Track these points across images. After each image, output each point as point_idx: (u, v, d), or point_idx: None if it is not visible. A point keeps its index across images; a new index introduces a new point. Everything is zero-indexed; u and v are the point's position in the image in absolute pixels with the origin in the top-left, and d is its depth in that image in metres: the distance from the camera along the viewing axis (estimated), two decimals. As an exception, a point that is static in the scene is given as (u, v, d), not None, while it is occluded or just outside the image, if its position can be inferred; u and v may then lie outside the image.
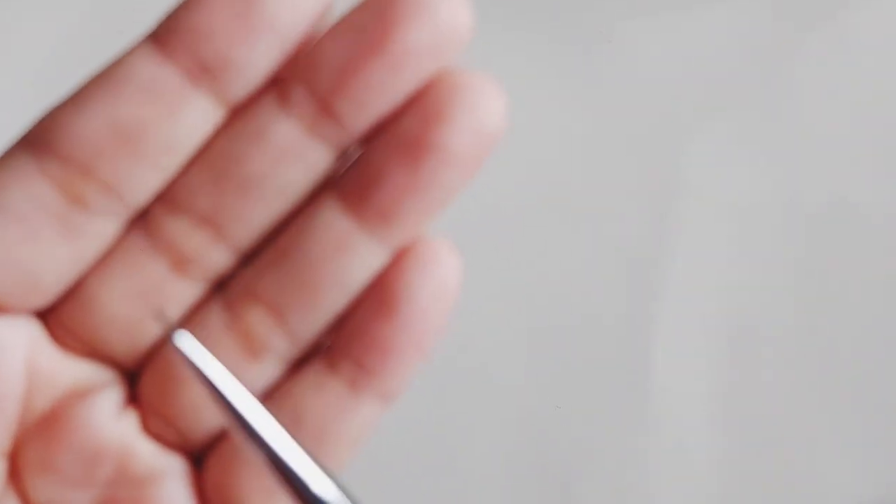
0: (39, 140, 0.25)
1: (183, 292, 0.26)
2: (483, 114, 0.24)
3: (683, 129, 0.51)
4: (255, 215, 0.25)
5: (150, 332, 0.26)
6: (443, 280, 0.25)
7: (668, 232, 0.50)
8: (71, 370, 0.27)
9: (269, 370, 0.26)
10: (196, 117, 0.24)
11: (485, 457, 0.46)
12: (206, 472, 0.27)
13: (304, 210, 0.25)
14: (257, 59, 0.24)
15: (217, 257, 0.26)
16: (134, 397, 0.27)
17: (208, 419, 0.26)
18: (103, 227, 0.25)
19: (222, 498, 0.26)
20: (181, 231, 0.25)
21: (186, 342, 0.25)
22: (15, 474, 0.26)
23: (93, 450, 0.26)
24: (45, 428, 0.26)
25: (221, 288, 0.26)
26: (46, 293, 0.26)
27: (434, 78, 0.24)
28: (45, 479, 0.26)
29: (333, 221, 0.25)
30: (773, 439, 0.47)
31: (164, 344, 0.26)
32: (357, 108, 0.24)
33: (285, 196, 0.25)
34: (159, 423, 0.27)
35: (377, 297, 0.25)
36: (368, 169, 0.25)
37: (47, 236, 0.25)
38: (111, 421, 0.26)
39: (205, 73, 0.24)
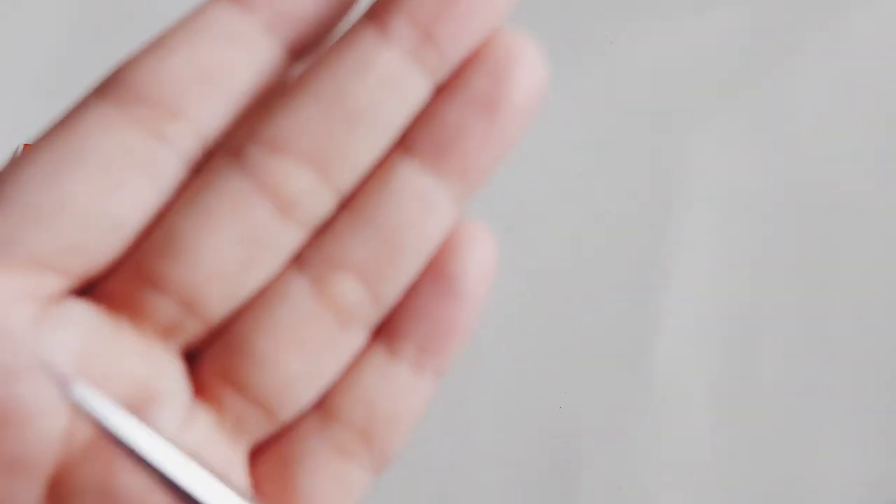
0: (121, 87, 0.24)
1: (286, 238, 0.25)
2: (536, 68, 0.25)
3: (684, 127, 0.51)
4: (359, 152, 0.25)
5: (252, 282, 0.25)
6: (488, 260, 0.26)
7: (670, 228, 0.50)
8: (132, 367, 0.25)
9: (354, 340, 0.26)
10: (274, 60, 0.25)
11: (486, 456, 0.46)
12: (267, 465, 0.26)
13: (380, 171, 0.25)
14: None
15: (321, 200, 0.25)
16: (201, 387, 0.26)
17: (301, 392, 0.25)
18: (185, 167, 0.25)
19: (283, 493, 0.26)
20: (285, 172, 0.25)
21: (82, 392, 0.23)
22: (58, 498, 0.25)
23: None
24: (100, 446, 0.24)
25: (303, 262, 0.25)
26: (129, 240, 0.24)
27: (491, 37, 0.25)
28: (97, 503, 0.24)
29: (413, 180, 0.25)
30: (775, 437, 0.47)
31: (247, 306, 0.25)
32: (456, 36, 0.25)
33: (388, 131, 0.25)
34: (236, 409, 0.25)
35: (437, 280, 0.25)
36: (443, 126, 0.25)
37: (133, 182, 0.24)
38: (178, 430, 0.25)
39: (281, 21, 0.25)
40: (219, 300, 0.25)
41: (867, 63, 0.51)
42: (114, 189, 0.24)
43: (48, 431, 0.24)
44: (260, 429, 0.26)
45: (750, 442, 0.47)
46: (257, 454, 0.26)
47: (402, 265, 0.25)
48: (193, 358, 0.26)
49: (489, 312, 0.48)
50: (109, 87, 0.25)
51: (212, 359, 0.25)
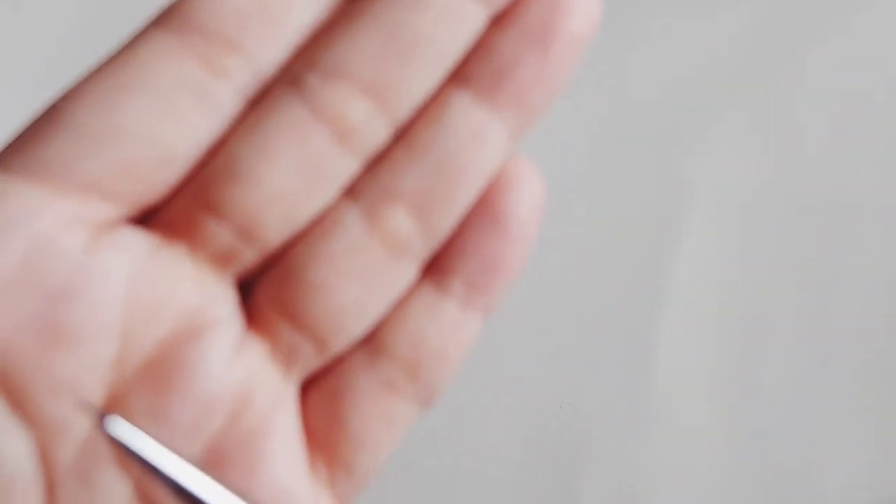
0: (180, 18, 0.24)
1: (342, 167, 0.25)
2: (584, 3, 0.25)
3: (689, 128, 0.51)
4: (415, 83, 0.25)
5: (308, 209, 0.25)
6: (537, 195, 0.26)
7: (673, 229, 0.50)
8: (185, 295, 0.25)
9: (406, 272, 0.25)
10: None
11: (488, 455, 0.46)
12: (314, 399, 0.26)
13: (435, 103, 0.25)
14: None
15: (377, 129, 0.25)
16: (253, 317, 0.25)
17: (353, 322, 0.25)
18: (241, 101, 0.25)
19: (330, 428, 0.26)
20: (343, 99, 0.25)
21: (119, 427, 0.23)
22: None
23: (207, 398, 0.24)
24: (151, 372, 0.24)
25: (357, 193, 0.25)
26: (183, 169, 0.24)
27: None
28: (148, 430, 0.24)
29: (467, 112, 0.25)
30: (777, 437, 0.47)
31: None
32: None
33: (444, 63, 0.25)
34: (289, 340, 0.25)
35: (488, 216, 0.25)
36: (498, 58, 0.25)
37: (188, 111, 0.24)
38: (229, 362, 0.25)
39: None
40: (275, 227, 0.25)
41: (874, 67, 0.51)
42: (168, 117, 0.24)
43: (99, 356, 0.24)
44: (311, 361, 0.25)
45: (751, 442, 0.47)
46: (306, 389, 0.26)
47: (454, 198, 0.25)
48: (246, 288, 0.26)
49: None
50: (169, 18, 0.24)
51: (265, 288, 0.25)
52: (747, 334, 0.48)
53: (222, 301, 0.25)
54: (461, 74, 0.25)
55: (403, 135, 0.25)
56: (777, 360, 0.48)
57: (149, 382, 0.24)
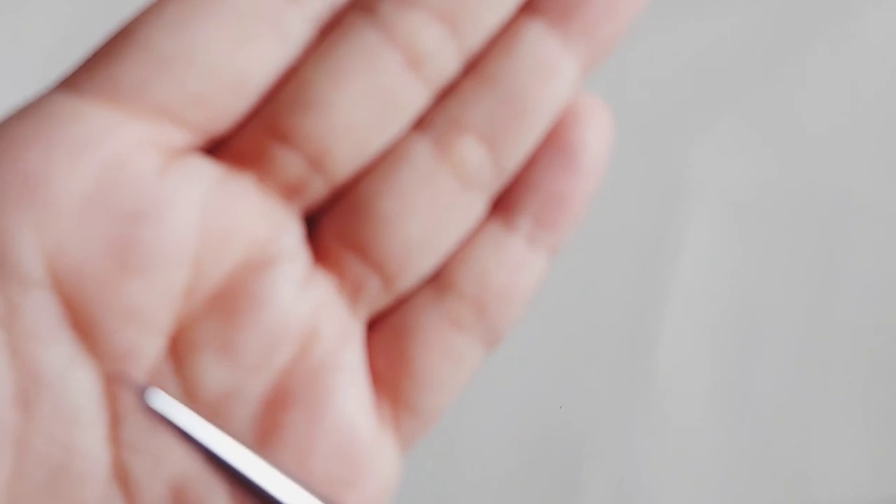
0: None
1: (414, 96, 0.24)
2: None
3: (688, 127, 0.51)
4: (488, 11, 0.24)
5: (379, 140, 0.24)
6: (606, 133, 0.26)
7: (673, 229, 0.50)
8: (254, 226, 0.24)
9: (475, 205, 0.25)
10: None
11: (488, 455, 0.46)
12: (379, 338, 0.25)
13: (506, 34, 0.25)
14: None
15: (449, 58, 0.24)
16: (321, 252, 0.25)
17: (423, 258, 0.25)
18: (314, 27, 0.24)
19: (395, 367, 0.25)
20: (416, 26, 0.24)
21: (160, 400, 0.23)
22: (178, 355, 0.24)
23: (275, 331, 0.24)
24: (220, 302, 0.24)
25: (426, 124, 0.25)
26: (255, 97, 0.24)
27: None
28: (216, 363, 0.24)
29: (540, 42, 0.25)
30: (776, 437, 0.47)
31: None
32: None
33: None
34: (356, 275, 0.25)
35: (556, 152, 0.25)
36: None
37: (261, 38, 0.24)
38: (297, 295, 0.24)
39: None
40: (346, 157, 0.24)
41: (875, 66, 0.52)
42: (241, 43, 0.24)
43: (170, 283, 0.23)
44: (378, 297, 0.25)
45: (750, 442, 0.47)
46: (372, 326, 0.25)
47: (524, 130, 0.25)
48: (314, 222, 0.25)
49: None
50: None
51: (333, 222, 0.25)
52: (747, 334, 0.48)
53: (290, 233, 0.25)
54: (533, 3, 0.25)
55: (475, 64, 0.25)
56: (776, 359, 0.48)
57: (217, 313, 0.24)
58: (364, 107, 0.24)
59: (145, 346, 0.23)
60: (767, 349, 0.48)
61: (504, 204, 0.25)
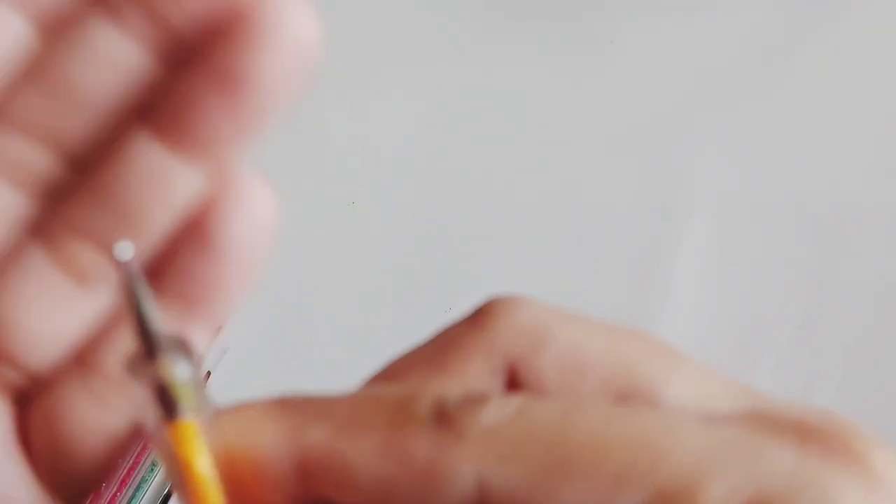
0: None
1: (13, 202, 0.25)
2: (294, 38, 0.24)
3: (685, 129, 0.51)
4: (87, 127, 0.25)
5: None
6: (258, 214, 0.25)
7: (671, 230, 0.50)
8: None
9: (100, 296, 0.26)
10: (9, 34, 0.25)
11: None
12: (32, 415, 0.26)
13: (115, 142, 0.25)
14: None
15: (51, 166, 0.25)
16: None
17: (50, 348, 0.26)
18: None
19: (48, 438, 0.26)
20: (12, 142, 0.25)
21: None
22: None
23: None
24: None
25: (36, 232, 0.26)
26: None
27: (241, 5, 0.24)
28: None
29: (147, 151, 0.25)
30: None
31: None
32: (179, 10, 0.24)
33: (115, 105, 0.25)
34: None
35: (195, 235, 0.25)
36: (180, 98, 0.24)
37: None
38: None
39: None
40: None
41: (872, 71, 0.51)
42: None
43: None
44: (18, 381, 0.26)
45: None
46: (24, 408, 0.26)
47: (141, 230, 0.25)
48: None
49: None
50: None
51: None
52: (743, 337, 0.48)
53: None
54: (143, 114, 0.25)
55: (87, 173, 0.25)
56: (773, 361, 0.48)
57: None
58: None
59: None
60: (764, 351, 0.48)
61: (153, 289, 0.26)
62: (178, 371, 0.22)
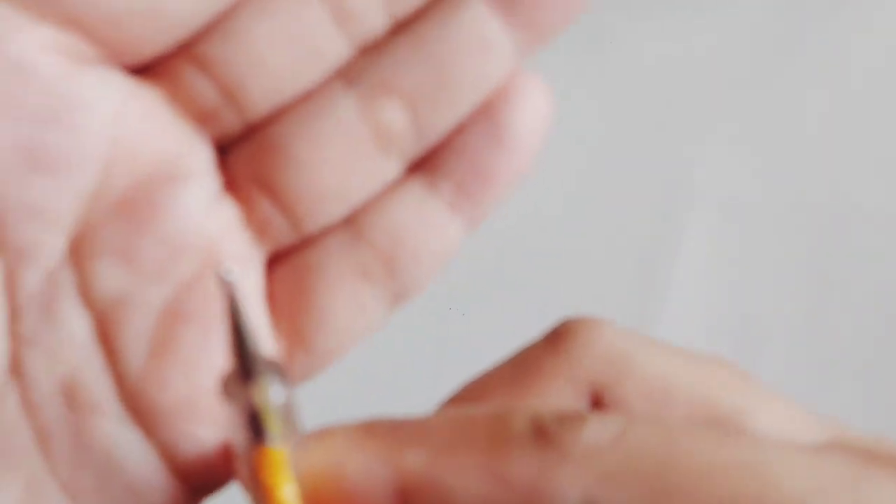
0: None
1: (337, 47, 0.25)
2: None
3: (686, 130, 0.51)
4: None
5: (295, 83, 0.25)
6: (541, 112, 0.25)
7: (672, 231, 0.50)
8: (164, 141, 0.24)
9: (391, 167, 0.25)
10: None
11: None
12: (282, 273, 0.26)
13: (446, 3, 0.25)
14: None
15: (376, 19, 0.25)
16: (230, 183, 0.25)
17: (332, 206, 0.25)
18: None
19: (294, 302, 0.25)
20: None
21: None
22: (78, 257, 0.24)
23: (176, 243, 0.24)
24: (125, 209, 0.24)
25: (353, 79, 0.25)
26: (175, 32, 0.24)
27: None
28: (115, 267, 0.24)
29: (478, 17, 0.25)
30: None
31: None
32: None
33: None
34: (263, 212, 0.25)
35: (486, 124, 0.25)
36: None
37: None
38: (202, 213, 0.24)
39: None
40: (260, 94, 0.24)
41: (872, 71, 0.52)
42: None
43: (76, 185, 0.24)
44: (284, 236, 0.25)
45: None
46: (277, 261, 0.26)
47: (451, 99, 0.25)
48: (226, 155, 0.25)
49: (486, 317, 0.48)
50: None
51: (245, 158, 0.25)
52: (744, 337, 0.48)
53: (200, 154, 0.25)
54: None
55: (409, 28, 0.25)
56: (772, 362, 0.48)
57: (121, 219, 0.24)
58: (282, 47, 0.24)
59: (46, 244, 0.24)
60: (764, 352, 0.48)
61: (429, 166, 0.25)
62: (271, 396, 0.22)
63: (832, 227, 0.50)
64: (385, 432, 0.22)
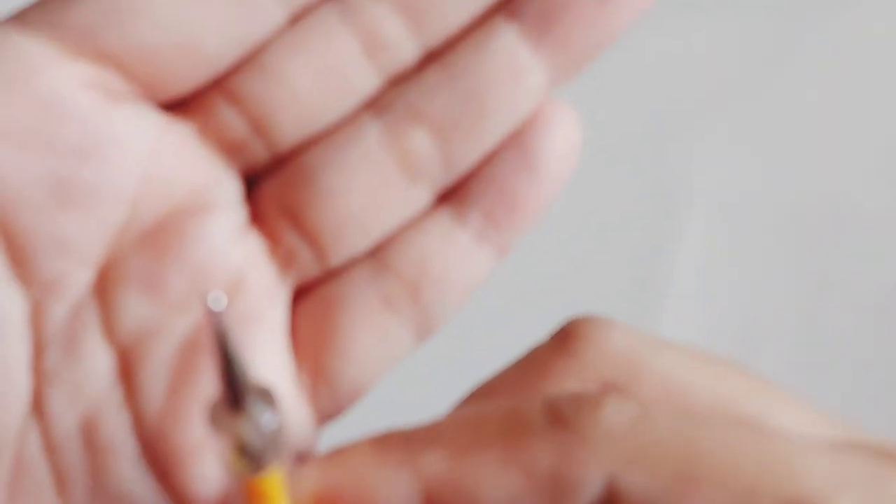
0: None
1: (366, 79, 0.25)
2: None
3: (686, 129, 0.51)
4: (456, 7, 0.25)
5: (325, 115, 0.25)
6: (572, 140, 0.25)
7: (672, 230, 0.50)
8: (193, 174, 0.25)
9: (419, 196, 0.25)
10: None
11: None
12: (306, 307, 0.25)
13: (478, 32, 0.25)
14: None
15: (407, 50, 0.25)
16: (257, 215, 0.25)
17: (356, 237, 0.25)
18: (274, 11, 0.24)
19: (319, 336, 0.25)
20: (379, 15, 0.24)
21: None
22: (103, 289, 0.24)
23: (202, 273, 0.24)
24: (151, 240, 0.24)
25: (381, 109, 0.25)
26: (210, 66, 0.24)
27: None
28: (139, 299, 0.24)
29: (510, 46, 0.25)
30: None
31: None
32: None
33: None
34: (289, 244, 0.25)
35: (516, 152, 0.25)
36: None
37: (223, 6, 0.24)
38: (228, 244, 0.25)
39: None
40: (289, 126, 0.25)
41: (869, 73, 0.52)
42: (198, 7, 0.24)
43: (105, 219, 0.24)
44: (309, 268, 0.25)
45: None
46: (302, 294, 0.26)
47: (480, 128, 0.25)
48: (253, 187, 0.25)
49: (486, 318, 0.48)
50: None
51: (272, 189, 0.25)
52: (741, 338, 0.49)
53: (228, 187, 0.25)
54: (511, 7, 0.25)
55: (440, 57, 0.25)
56: (770, 363, 0.48)
57: (146, 250, 0.24)
58: (312, 80, 0.24)
59: (73, 277, 0.24)
60: (762, 351, 0.48)
61: (457, 196, 0.25)
62: (262, 424, 0.22)
63: (831, 227, 0.50)
64: (399, 442, 0.22)
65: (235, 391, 0.21)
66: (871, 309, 0.49)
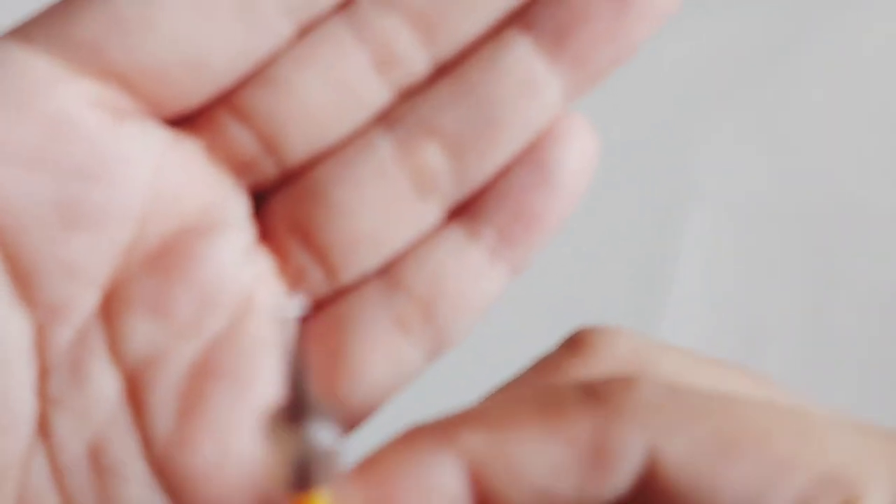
0: None
1: (377, 94, 0.24)
2: None
3: (690, 131, 0.51)
4: (468, 21, 0.24)
5: (335, 130, 0.24)
6: (588, 153, 0.25)
7: (676, 230, 0.49)
8: (200, 193, 0.24)
9: (431, 212, 0.25)
10: None
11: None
12: (316, 327, 0.25)
13: (491, 44, 0.24)
14: None
15: (419, 63, 0.24)
16: (266, 233, 0.25)
17: (368, 254, 0.25)
18: (281, 24, 0.24)
19: (329, 356, 0.25)
20: (390, 27, 0.24)
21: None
22: (109, 312, 0.24)
23: (209, 294, 0.24)
24: (158, 261, 0.24)
25: (393, 123, 0.25)
26: (217, 82, 0.24)
27: None
28: (146, 322, 0.24)
29: (524, 59, 0.24)
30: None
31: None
32: None
33: (497, 7, 0.24)
34: (299, 262, 0.25)
35: (531, 166, 0.25)
36: (569, 10, 0.24)
37: (231, 22, 0.23)
38: (236, 264, 0.24)
39: None
40: (299, 142, 0.24)
41: (874, 73, 0.51)
42: (207, 24, 0.23)
43: (112, 241, 0.23)
44: (319, 286, 0.25)
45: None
46: (310, 315, 0.25)
47: (493, 143, 0.24)
48: (263, 204, 0.25)
49: (487, 318, 0.47)
50: None
51: (282, 206, 0.25)
52: (746, 339, 0.48)
53: (236, 205, 0.25)
54: (526, 19, 0.24)
55: (452, 71, 0.24)
56: (775, 364, 0.48)
57: (154, 271, 0.24)
58: (322, 94, 0.24)
59: (79, 300, 0.23)
60: (767, 351, 0.48)
61: (470, 212, 0.25)
62: (321, 439, 0.21)
63: (837, 227, 0.49)
64: (434, 429, 0.22)
65: (299, 403, 0.21)
66: (877, 309, 0.48)
